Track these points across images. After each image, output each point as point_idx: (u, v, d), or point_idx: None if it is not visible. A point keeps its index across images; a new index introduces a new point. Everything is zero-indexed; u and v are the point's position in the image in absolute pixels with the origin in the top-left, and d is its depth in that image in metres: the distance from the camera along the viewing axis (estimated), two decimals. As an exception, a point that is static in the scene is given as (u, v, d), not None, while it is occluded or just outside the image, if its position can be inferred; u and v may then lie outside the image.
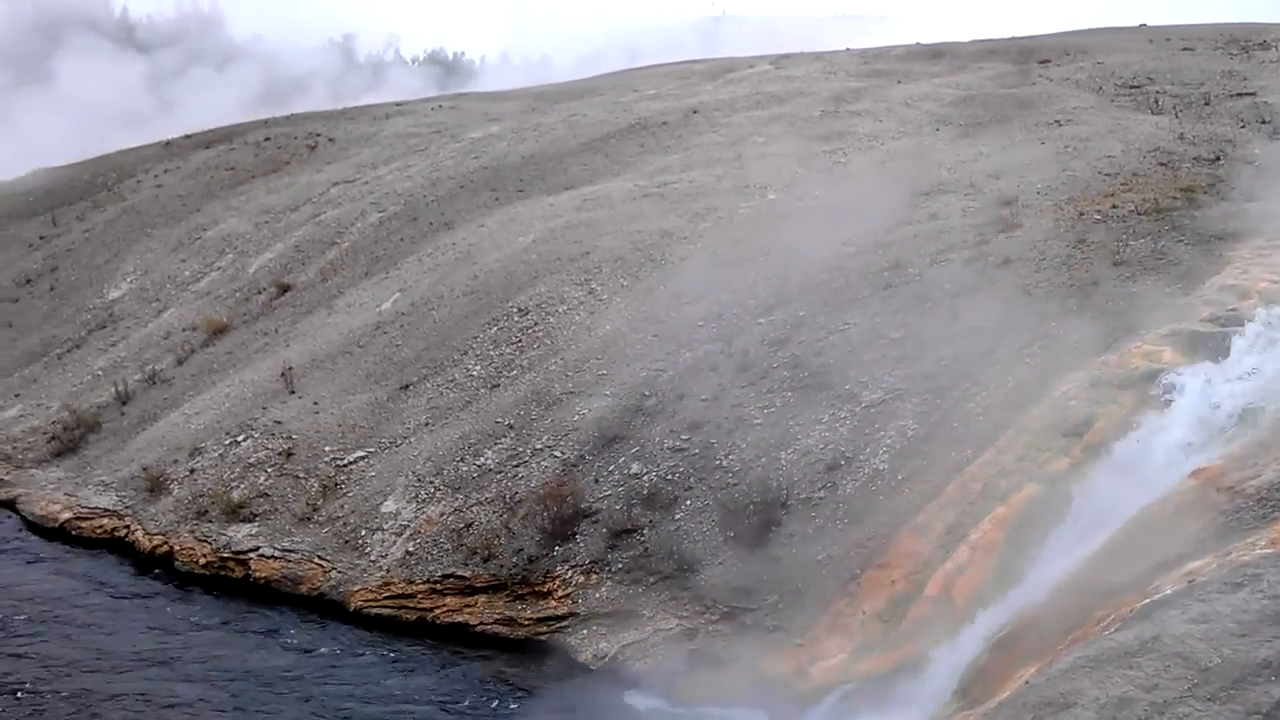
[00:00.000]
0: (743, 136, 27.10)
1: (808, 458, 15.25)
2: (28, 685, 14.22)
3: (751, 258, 19.65)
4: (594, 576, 14.84)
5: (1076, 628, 10.46)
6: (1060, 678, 9.14)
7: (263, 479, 18.93)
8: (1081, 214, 18.09)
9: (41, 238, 33.81)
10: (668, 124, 29.51)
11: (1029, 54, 31.07)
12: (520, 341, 19.76)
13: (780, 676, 13.07)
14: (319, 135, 35.74)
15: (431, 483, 17.33)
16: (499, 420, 17.95)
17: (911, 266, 17.98)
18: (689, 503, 15.25)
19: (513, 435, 17.51)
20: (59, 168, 38.93)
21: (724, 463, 15.60)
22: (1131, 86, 25.71)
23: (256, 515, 18.27)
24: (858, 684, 12.67)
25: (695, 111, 30.23)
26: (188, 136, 38.88)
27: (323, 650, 15.42)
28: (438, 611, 15.59)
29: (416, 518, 16.89)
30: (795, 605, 13.59)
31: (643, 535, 15.10)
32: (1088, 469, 13.08)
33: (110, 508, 20.02)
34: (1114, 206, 18.02)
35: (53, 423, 23.54)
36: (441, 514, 16.71)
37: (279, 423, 19.96)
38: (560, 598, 14.85)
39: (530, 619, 14.92)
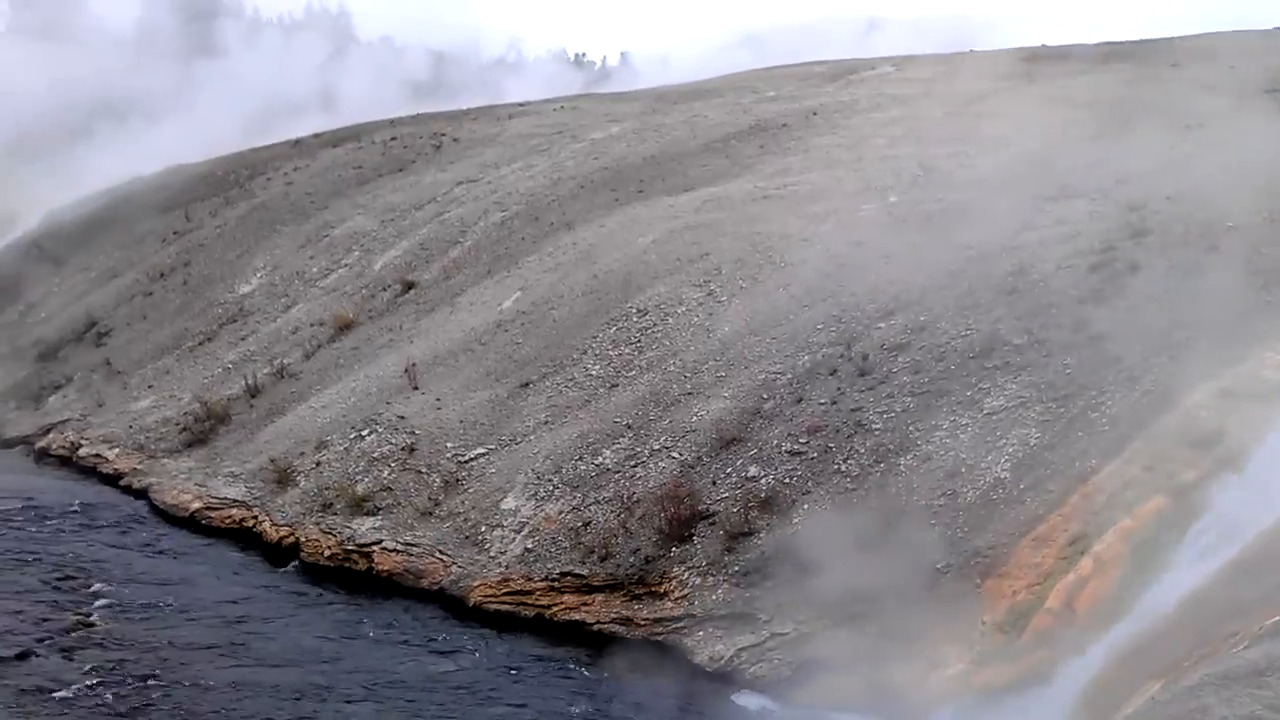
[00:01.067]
0: (864, 138, 26.94)
1: (928, 464, 15.16)
2: (157, 672, 14.61)
3: (872, 261, 19.55)
4: (710, 578, 14.90)
5: (1203, 644, 10.27)
6: (1187, 695, 8.98)
7: (386, 473, 19.31)
8: (1213, 221, 17.68)
9: (175, 233, 34.83)
10: (788, 125, 29.45)
11: (1156, 56, 30.40)
12: (639, 342, 19.90)
13: (898, 684, 12.99)
14: (444, 135, 36.27)
15: (550, 481, 17.53)
16: (617, 420, 18.11)
17: (1036, 272, 17.73)
18: (806, 507, 15.25)
19: (631, 435, 17.65)
20: (193, 164, 40.02)
21: (842, 467, 15.57)
22: (1267, 90, 25.03)
23: (380, 509, 18.65)
24: (976, 694, 12.56)
25: (815, 113, 30.12)
26: (316, 135, 39.74)
27: (443, 642, 15.68)
28: (555, 609, 15.78)
29: (535, 515, 17.11)
30: (913, 613, 13.51)
31: (760, 538, 15.12)
32: (1217, 481, 12.82)
33: (239, 498, 20.58)
34: (1247, 213, 17.59)
35: (184, 414, 24.26)
36: (560, 512, 16.91)
37: (402, 418, 20.34)
38: (677, 599, 14.94)
39: (647, 619, 15.03)
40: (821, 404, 16.65)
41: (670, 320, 19.99)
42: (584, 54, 76.76)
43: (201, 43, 57.57)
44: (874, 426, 15.94)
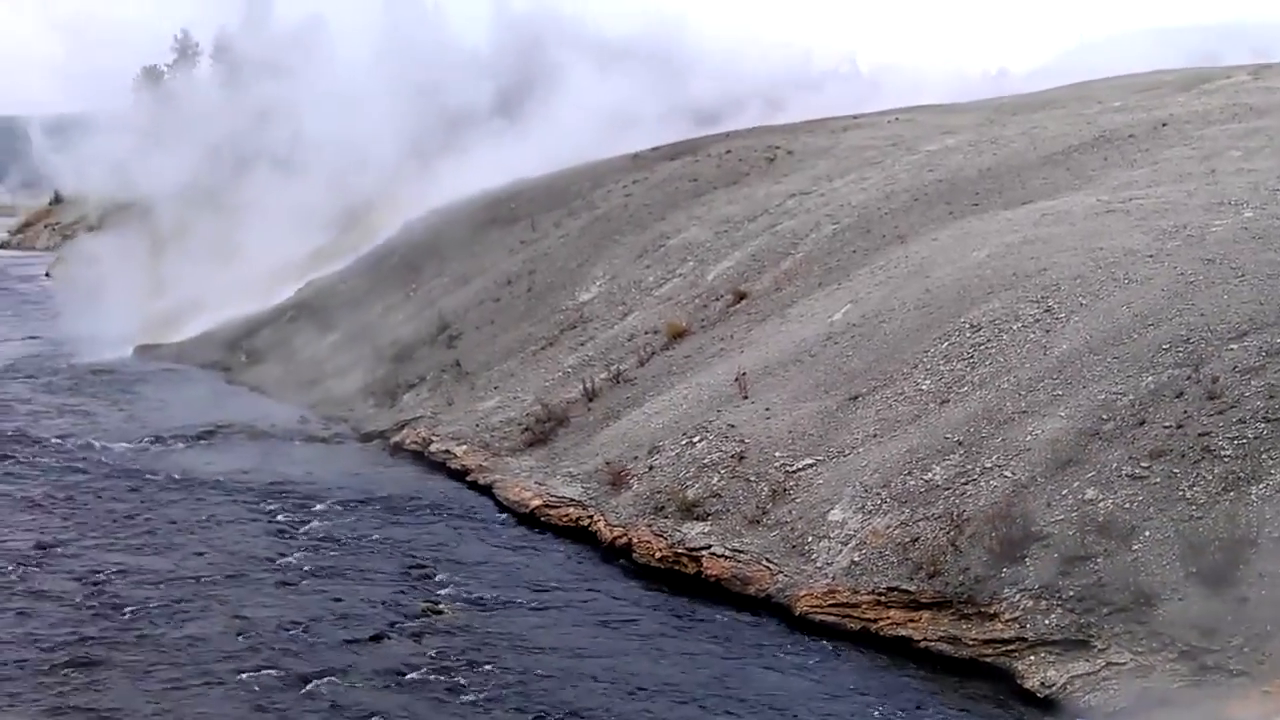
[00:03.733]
0: (1217, 150, 25.61)
1: (1282, 495, 14.34)
2: (498, 660, 15.41)
3: (1224, 279, 18.60)
4: (1043, 602, 14.55)
5: None
6: None
7: (716, 480, 19.76)
8: None
9: (522, 242, 36.61)
10: (1134, 137, 28.31)
11: None
12: (971, 357, 19.61)
13: (1241, 724, 12.40)
14: (778, 148, 36.68)
15: (878, 494, 17.53)
16: (948, 436, 17.91)
17: None
18: (1148, 533, 14.66)
19: (962, 452, 17.43)
20: (540, 177, 41.96)
21: (1187, 494, 14.89)
22: None
23: (709, 515, 19.09)
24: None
25: (1164, 124, 28.80)
26: (655, 149, 40.92)
27: (768, 648, 15.92)
28: (881, 623, 15.77)
29: (863, 528, 17.14)
30: (1263, 650, 12.81)
31: (1096, 564, 14.65)
32: None
33: (576, 498, 21.47)
34: None
35: (526, 415, 25.49)
36: (888, 526, 16.88)
37: (732, 426, 20.75)
38: (1007, 620, 14.66)
39: (975, 639, 14.83)
40: (1166, 427, 15.97)
41: (1005, 336, 19.61)
42: (910, 66, 75.51)
43: (545, 61, 60.04)
44: (1223, 453, 15.17)
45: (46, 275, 68.78)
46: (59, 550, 19.14)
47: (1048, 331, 19.21)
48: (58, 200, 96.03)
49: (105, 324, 43.40)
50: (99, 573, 18.10)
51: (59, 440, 27.03)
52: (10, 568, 18.20)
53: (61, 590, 17.33)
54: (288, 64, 56.22)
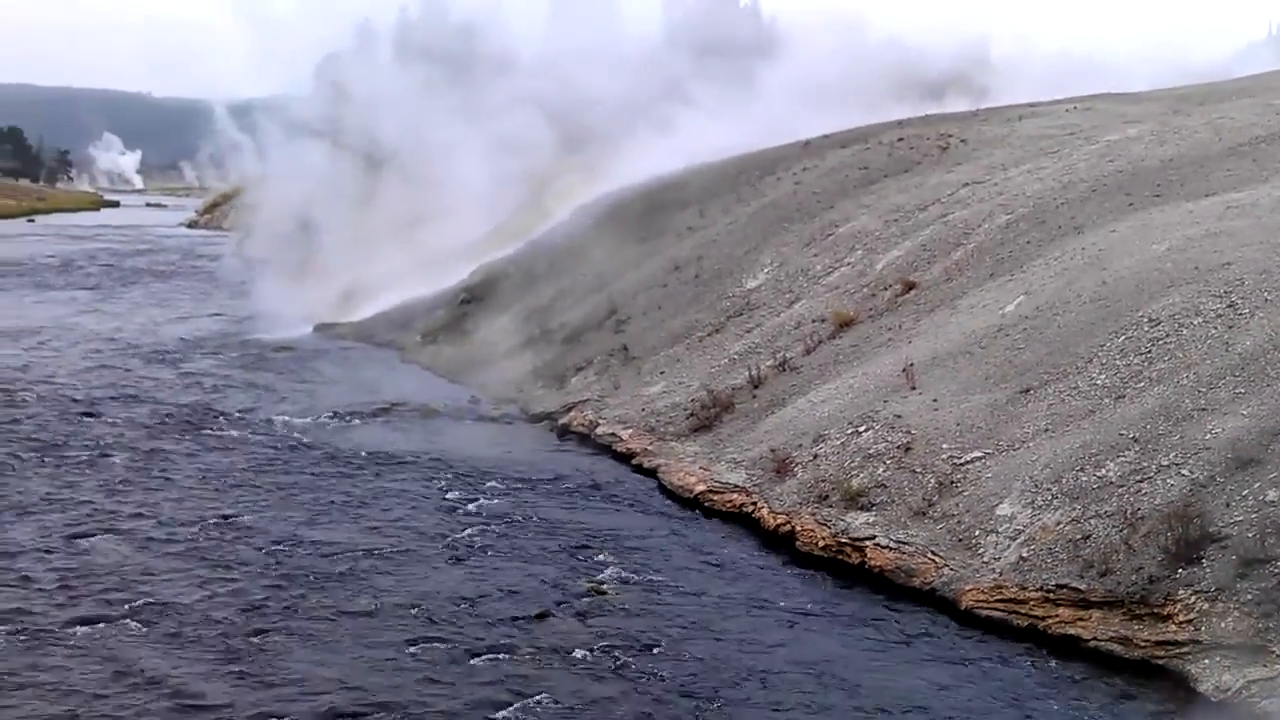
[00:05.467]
0: None
1: None
2: (661, 642, 15.58)
3: None
4: (1219, 604, 14.15)
5: None
6: None
7: (881, 470, 19.65)
8: None
9: (690, 228, 36.83)
10: (1328, 127, 27.24)
11: None
12: (1149, 352, 19.11)
13: None
14: (951, 136, 36.20)
15: (1049, 490, 17.22)
16: (1122, 432, 17.50)
17: None
18: (1334, 539, 14.16)
19: (1137, 449, 17.01)
20: (710, 164, 42.11)
21: (1378, 499, 14.35)
22: None
23: (873, 505, 19.01)
24: None
25: (1363, 113, 27.66)
26: (826, 136, 40.72)
27: (934, 642, 15.81)
28: (1049, 621, 15.51)
29: (1032, 524, 16.87)
30: None
31: (1276, 567, 14.19)
32: None
33: (739, 484, 21.57)
34: None
35: (691, 400, 25.69)
36: (1058, 523, 16.59)
37: (899, 417, 20.61)
38: (1181, 622, 14.29)
39: (1147, 640, 14.49)
40: (1356, 429, 15.39)
41: (1185, 331, 19.06)
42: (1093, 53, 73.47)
43: (719, 48, 60.14)
44: None
45: (231, 254, 71.47)
46: (242, 520, 19.99)
47: (1230, 327, 18.61)
48: (243, 182, 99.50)
49: (286, 302, 45.05)
50: (279, 543, 18.86)
51: (242, 415, 28.17)
52: (196, 536, 19.09)
53: (243, 559, 18.09)
54: (463, 50, 57.37)
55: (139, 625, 15.40)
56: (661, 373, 28.57)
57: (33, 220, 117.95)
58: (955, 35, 69.24)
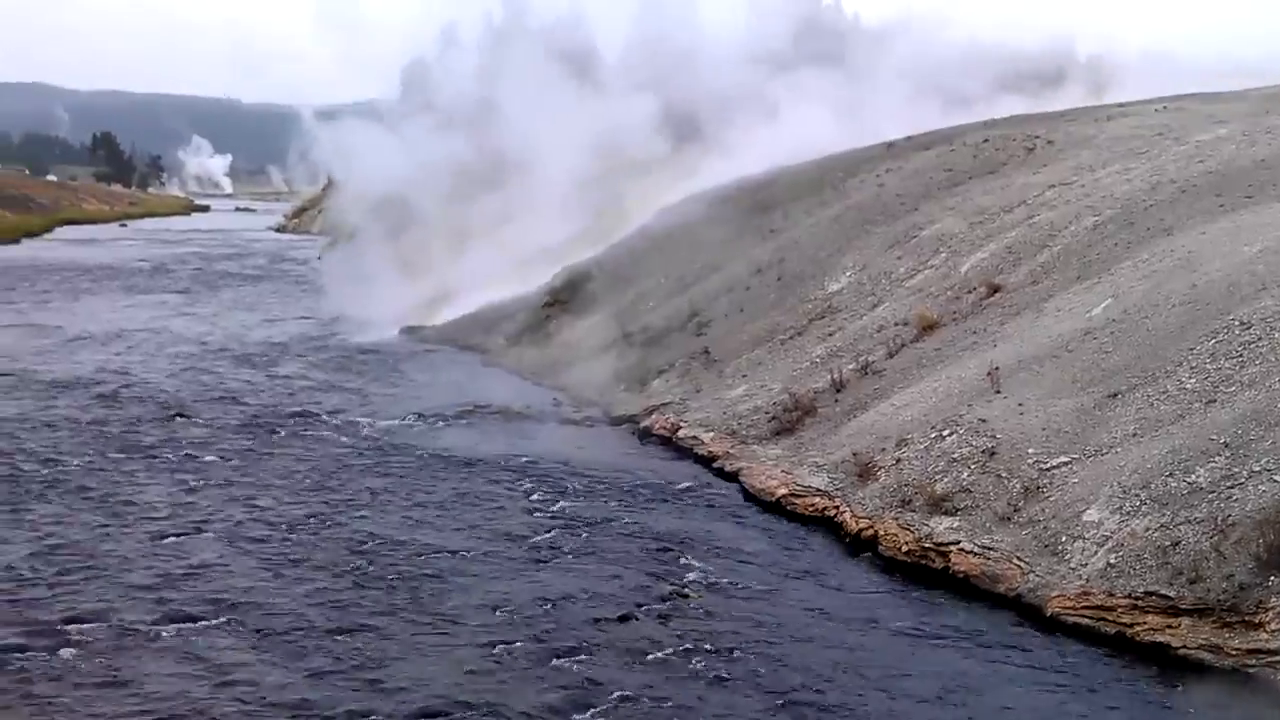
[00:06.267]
0: None
1: None
2: (743, 646, 15.53)
3: None
4: (1314, 614, 13.90)
5: None
6: None
7: (965, 475, 19.48)
8: None
9: (773, 230, 36.75)
10: None
11: None
12: (1240, 356, 18.77)
13: None
14: (1037, 137, 35.77)
15: (1137, 496, 16.97)
16: (1213, 438, 17.20)
17: None
18: None
19: (1228, 454, 16.72)
20: (794, 165, 42.00)
21: None
22: None
23: (958, 510, 18.86)
24: None
25: None
26: (909, 138, 40.45)
27: (1022, 650, 15.66)
28: (1137, 628, 15.29)
29: (1120, 530, 16.64)
30: None
31: (1372, 576, 13.92)
32: None
33: (822, 488, 21.51)
34: None
35: (773, 404, 25.65)
36: (1146, 529, 16.34)
37: (983, 421, 20.42)
38: (1273, 630, 14.02)
39: (1238, 649, 14.24)
40: None
41: (1277, 334, 18.70)
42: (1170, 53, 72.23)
43: (803, 49, 59.95)
44: None
45: (319, 258, 72.48)
46: (329, 520, 20.29)
47: (1326, 331, 18.24)
48: (331, 186, 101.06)
49: (372, 305, 45.63)
50: (364, 543, 19.11)
51: (330, 416, 28.58)
52: (284, 535, 19.41)
53: (329, 559, 18.34)
54: (544, 56, 57.68)
55: (228, 624, 15.66)
56: (743, 376, 28.56)
57: (125, 225, 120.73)
58: (1041, 34, 68.42)
